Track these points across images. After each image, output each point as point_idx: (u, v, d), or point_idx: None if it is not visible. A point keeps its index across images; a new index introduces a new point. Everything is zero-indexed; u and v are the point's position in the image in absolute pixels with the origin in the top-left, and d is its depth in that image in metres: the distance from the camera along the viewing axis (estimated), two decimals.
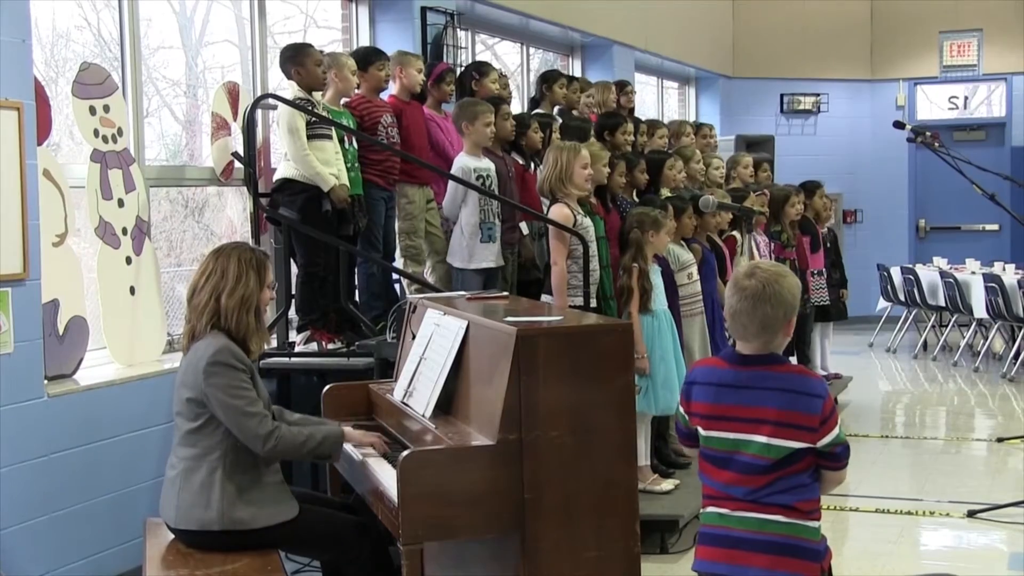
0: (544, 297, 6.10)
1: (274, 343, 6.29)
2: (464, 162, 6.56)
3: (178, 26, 7.51)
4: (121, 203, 5.68)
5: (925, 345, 13.25)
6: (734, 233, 7.88)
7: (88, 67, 5.61)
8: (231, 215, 6.99)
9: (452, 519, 3.56)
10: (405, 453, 3.53)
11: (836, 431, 3.30)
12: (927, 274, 12.93)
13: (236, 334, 4.01)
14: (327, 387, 4.85)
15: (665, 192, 7.61)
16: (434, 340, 4.25)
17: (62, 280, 5.26)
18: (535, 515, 3.59)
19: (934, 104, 15.94)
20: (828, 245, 10.00)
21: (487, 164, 6.62)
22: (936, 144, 7.28)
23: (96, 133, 5.57)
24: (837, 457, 3.33)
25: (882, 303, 13.90)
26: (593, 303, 6.00)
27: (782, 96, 15.61)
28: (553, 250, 6.00)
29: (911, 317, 13.56)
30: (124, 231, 5.68)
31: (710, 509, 3.42)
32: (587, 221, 6.01)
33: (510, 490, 3.56)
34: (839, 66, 15.78)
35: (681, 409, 3.53)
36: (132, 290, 5.72)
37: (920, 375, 12.07)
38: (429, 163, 6.93)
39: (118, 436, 5.30)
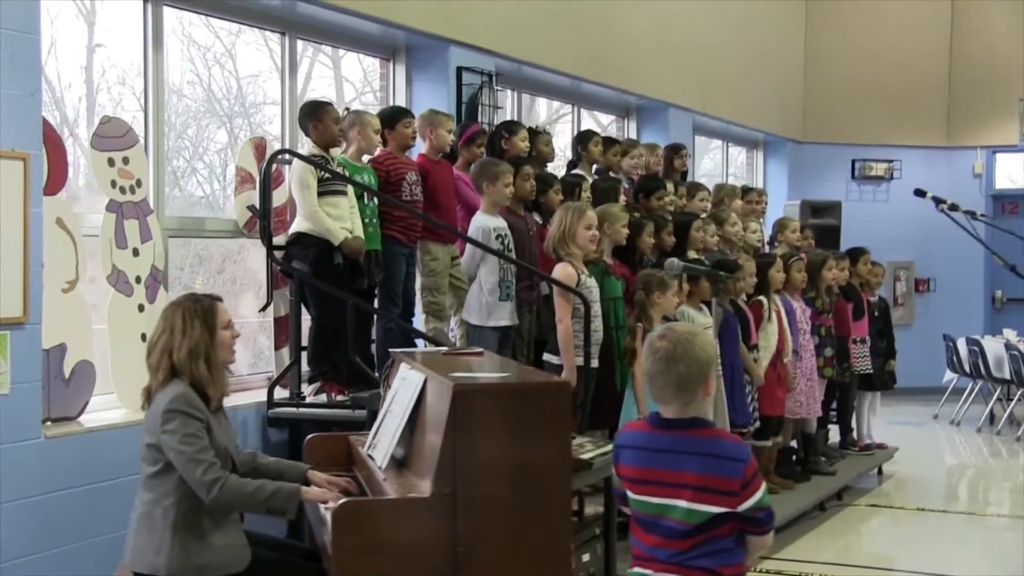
0: (546, 356, 6.13)
1: (285, 393, 6.41)
2: (483, 222, 6.65)
3: (280, 82, 7.78)
4: (136, 252, 5.85)
5: (992, 418, 12.92)
6: (760, 298, 7.84)
7: (109, 120, 5.81)
8: (254, 267, 7.14)
9: (384, 570, 3.60)
10: (338, 503, 3.59)
11: (758, 495, 3.28)
12: (993, 346, 12.64)
13: (194, 383, 4.11)
14: (308, 437, 4.92)
15: (692, 254, 7.61)
16: (399, 393, 4.32)
17: (70, 325, 5.43)
18: (469, 569, 3.61)
19: None
20: (876, 314, 9.88)
21: (502, 223, 6.69)
22: (980, 215, 7.27)
23: (114, 184, 5.75)
24: (760, 522, 3.32)
25: (949, 374, 13.61)
26: (595, 363, 6.02)
27: (853, 162, 15.44)
28: (558, 308, 6.05)
29: (976, 389, 13.25)
30: (138, 279, 5.85)
31: (636, 570, 3.43)
32: (591, 281, 6.04)
33: (444, 543, 3.60)
34: (914, 132, 15.57)
35: (614, 471, 3.54)
36: (143, 337, 5.86)
37: (983, 449, 11.81)
38: (456, 221, 7.03)
39: (117, 479, 5.41)
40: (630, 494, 3.43)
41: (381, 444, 4.24)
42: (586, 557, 5.08)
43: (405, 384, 4.29)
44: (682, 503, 3.28)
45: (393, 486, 3.88)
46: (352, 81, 8.91)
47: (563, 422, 3.72)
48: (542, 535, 3.67)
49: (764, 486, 3.31)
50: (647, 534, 3.39)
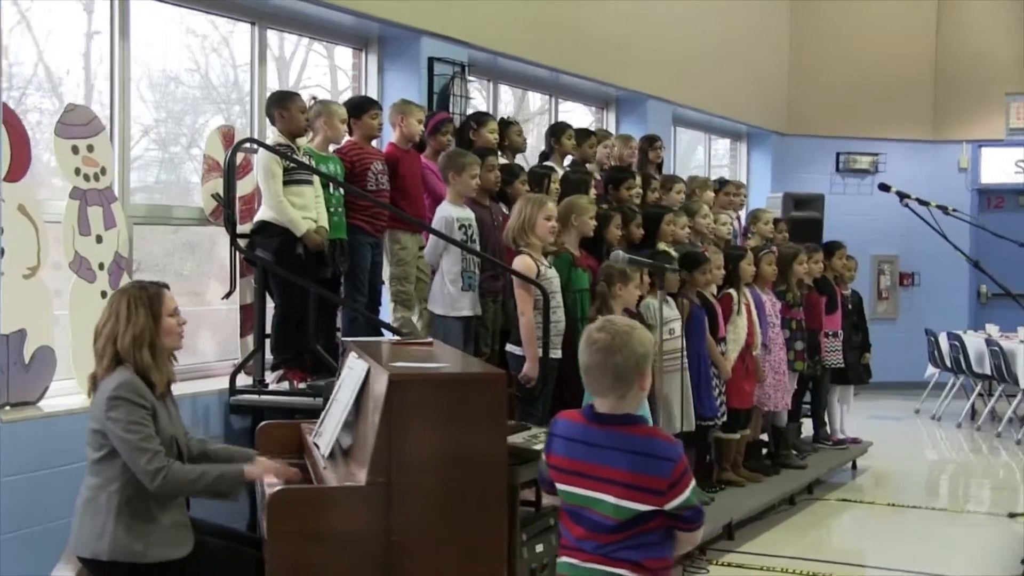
0: (509, 347, 6.16)
1: (249, 380, 6.44)
2: (446, 212, 6.67)
3: (276, 71, 7.82)
4: (100, 239, 5.87)
5: (973, 414, 12.88)
6: (730, 291, 7.87)
7: (74, 108, 5.82)
8: (222, 255, 7.16)
9: (319, 558, 3.63)
10: (273, 490, 3.62)
11: (686, 494, 3.29)
12: (973, 341, 12.62)
13: (138, 370, 4.15)
14: (260, 425, 4.96)
15: (662, 246, 7.64)
16: (344, 382, 4.35)
17: (31, 311, 5.46)
18: (403, 558, 3.64)
19: (1016, 166, 15.54)
20: (850, 307, 9.90)
21: (468, 213, 6.73)
22: (952, 210, 7.29)
23: (78, 171, 5.77)
24: (688, 519, 3.34)
25: (930, 369, 13.60)
26: (556, 353, 6.05)
27: (838, 155, 15.44)
28: (519, 300, 6.08)
29: (958, 384, 13.25)
30: (101, 266, 5.88)
31: (563, 559, 3.45)
32: (551, 272, 6.07)
33: (379, 532, 3.63)
34: (899, 125, 15.55)
35: (544, 458, 3.57)
36: None
37: (964, 444, 11.80)
38: (423, 210, 7.06)
39: (76, 463, 5.40)
40: (557, 484, 3.46)
41: (326, 432, 4.28)
42: (539, 547, 5.11)
43: (351, 373, 4.32)
44: (608, 498, 3.29)
45: (333, 474, 3.92)
46: (345, 70, 8.92)
47: (498, 412, 3.75)
48: (477, 524, 3.71)
49: (693, 485, 3.32)
50: (575, 525, 3.41)
